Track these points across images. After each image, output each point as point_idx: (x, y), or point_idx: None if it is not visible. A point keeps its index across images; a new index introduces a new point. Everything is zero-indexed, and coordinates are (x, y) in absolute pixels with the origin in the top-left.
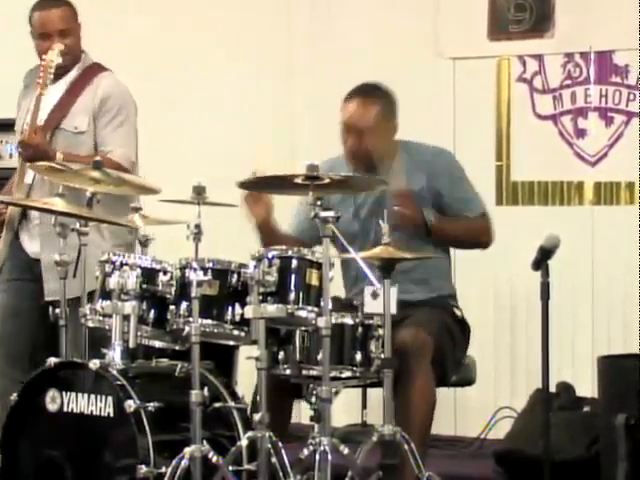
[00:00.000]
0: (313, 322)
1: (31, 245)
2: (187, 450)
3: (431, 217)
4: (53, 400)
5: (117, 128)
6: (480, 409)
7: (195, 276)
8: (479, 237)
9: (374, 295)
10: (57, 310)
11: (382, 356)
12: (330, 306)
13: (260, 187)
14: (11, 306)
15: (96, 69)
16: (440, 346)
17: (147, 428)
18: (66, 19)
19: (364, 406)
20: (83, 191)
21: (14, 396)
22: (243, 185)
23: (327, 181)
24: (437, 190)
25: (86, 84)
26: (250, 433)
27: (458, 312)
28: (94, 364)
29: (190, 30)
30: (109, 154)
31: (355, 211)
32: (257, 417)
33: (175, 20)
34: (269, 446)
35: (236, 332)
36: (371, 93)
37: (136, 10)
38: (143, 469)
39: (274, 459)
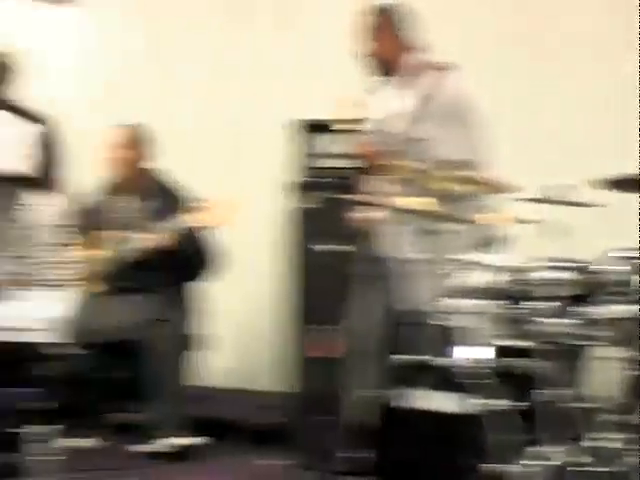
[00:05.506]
0: None
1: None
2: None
3: None
4: (403, 398)
5: None
6: None
7: (554, 275)
8: None
9: None
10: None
11: None
12: None
13: None
14: (360, 306)
15: None
16: None
17: (489, 427)
18: None
19: None
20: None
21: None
22: None
23: None
24: None
25: None
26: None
27: None
28: (439, 362)
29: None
30: None
31: None
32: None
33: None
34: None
35: (592, 332)
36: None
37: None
38: (487, 468)
39: None
